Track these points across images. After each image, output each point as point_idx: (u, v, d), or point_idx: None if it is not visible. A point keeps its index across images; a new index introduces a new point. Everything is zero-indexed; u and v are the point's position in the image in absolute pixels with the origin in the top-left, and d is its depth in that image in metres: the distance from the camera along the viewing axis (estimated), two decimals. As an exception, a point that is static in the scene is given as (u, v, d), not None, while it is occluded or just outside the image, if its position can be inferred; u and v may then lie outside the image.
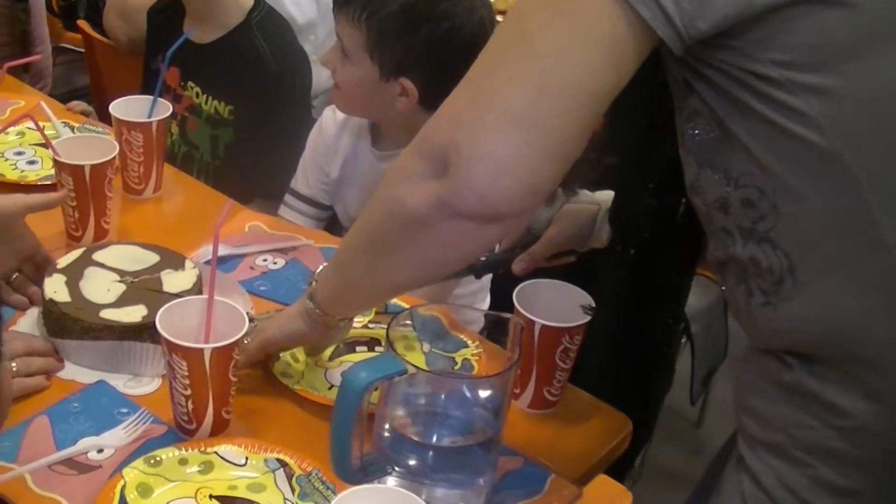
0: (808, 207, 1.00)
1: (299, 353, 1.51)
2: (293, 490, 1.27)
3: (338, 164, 2.08)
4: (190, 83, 2.30)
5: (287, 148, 2.24)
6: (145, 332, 1.43)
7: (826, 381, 1.03)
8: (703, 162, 1.06)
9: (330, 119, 2.11)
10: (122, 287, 1.51)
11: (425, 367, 1.36)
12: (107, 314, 1.45)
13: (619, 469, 2.45)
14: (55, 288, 1.49)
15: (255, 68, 2.25)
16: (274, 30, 2.30)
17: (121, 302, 1.48)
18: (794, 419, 1.06)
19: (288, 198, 2.17)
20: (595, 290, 1.48)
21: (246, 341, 1.38)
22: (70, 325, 1.44)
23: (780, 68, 0.96)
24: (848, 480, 1.04)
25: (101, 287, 1.50)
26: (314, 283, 1.34)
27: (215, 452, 1.30)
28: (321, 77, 2.60)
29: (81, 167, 1.69)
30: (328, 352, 1.53)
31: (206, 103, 2.29)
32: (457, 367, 1.41)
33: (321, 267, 1.34)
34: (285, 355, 1.50)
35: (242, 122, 2.28)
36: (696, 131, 1.06)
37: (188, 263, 1.58)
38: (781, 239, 1.03)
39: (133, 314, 1.45)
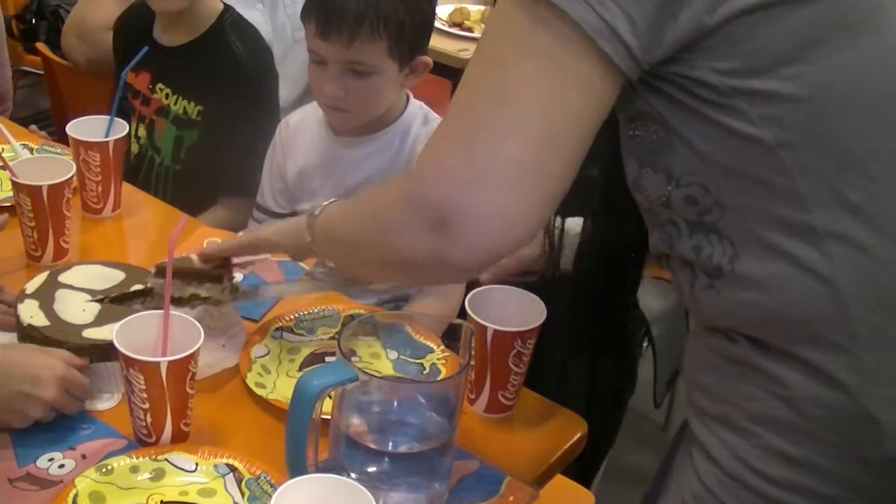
0: (751, 201, 1.04)
1: (271, 364, 1.54)
2: (243, 494, 1.29)
3: (297, 164, 2.12)
4: (160, 85, 2.33)
5: (254, 148, 2.27)
6: None
7: (770, 357, 1.07)
8: (645, 162, 1.09)
9: (283, 128, 2.16)
10: (97, 306, 1.51)
11: (394, 375, 1.38)
12: (90, 334, 1.45)
13: (585, 472, 2.48)
14: (31, 313, 1.48)
15: (230, 68, 2.27)
16: (248, 32, 2.33)
17: (100, 320, 1.48)
18: (742, 391, 1.09)
19: (255, 213, 2.20)
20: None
21: (241, 234, 1.43)
22: (55, 348, 1.43)
23: (721, 76, 1.00)
24: (798, 449, 1.06)
25: (76, 308, 1.50)
26: (317, 214, 1.36)
27: (166, 459, 1.32)
28: (284, 92, 2.63)
29: (39, 187, 1.70)
30: (298, 362, 1.56)
31: (175, 104, 2.31)
32: (425, 372, 1.43)
33: (326, 203, 1.36)
34: (256, 366, 1.53)
35: (211, 122, 2.30)
36: (638, 133, 1.09)
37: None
38: (728, 229, 1.06)
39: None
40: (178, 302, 1.52)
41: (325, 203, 1.36)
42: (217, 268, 1.56)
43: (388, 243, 1.10)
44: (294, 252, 1.49)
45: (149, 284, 1.54)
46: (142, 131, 2.35)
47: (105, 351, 1.43)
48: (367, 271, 1.31)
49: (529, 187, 0.99)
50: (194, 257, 1.56)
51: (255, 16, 2.68)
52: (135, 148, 2.38)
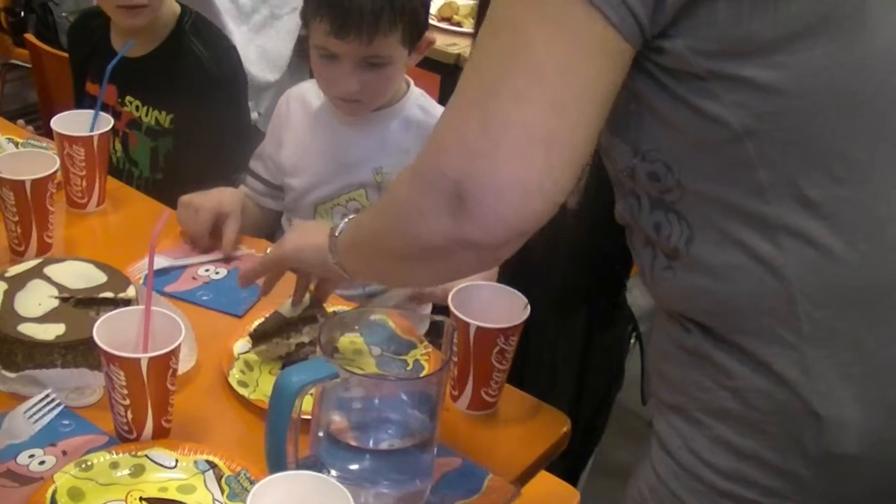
0: (711, 186, 1.05)
1: (253, 361, 1.54)
2: (222, 490, 1.29)
3: (294, 138, 2.08)
4: (128, 98, 2.30)
5: (230, 148, 2.27)
6: (56, 350, 1.44)
7: (719, 348, 1.08)
8: (615, 131, 1.09)
9: (283, 101, 2.13)
10: (55, 303, 1.52)
11: (375, 372, 1.38)
12: (24, 328, 1.46)
13: (572, 468, 2.49)
14: None
15: (195, 73, 2.26)
16: (208, 34, 2.32)
17: (45, 318, 1.48)
18: (695, 381, 1.10)
19: (248, 179, 2.16)
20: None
21: (268, 250, 1.47)
22: None
23: (701, 57, 1.00)
24: (744, 440, 1.07)
25: (34, 300, 1.51)
26: (338, 235, 1.33)
27: (146, 455, 1.32)
28: (265, 73, 2.62)
29: (22, 182, 1.70)
30: (280, 361, 1.56)
31: (146, 115, 2.29)
32: (409, 369, 1.42)
33: (346, 220, 1.34)
34: (239, 363, 1.53)
35: (184, 129, 2.29)
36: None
37: (130, 289, 1.58)
38: (686, 211, 1.07)
39: (49, 332, 1.45)
40: (287, 357, 1.54)
41: (345, 221, 1.34)
42: (307, 309, 1.55)
43: (406, 230, 1.08)
44: (318, 271, 1.47)
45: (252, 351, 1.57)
46: (117, 145, 2.34)
47: (30, 348, 1.44)
48: (388, 274, 1.30)
49: (542, 151, 0.97)
50: (282, 310, 1.55)
51: None
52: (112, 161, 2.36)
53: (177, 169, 2.31)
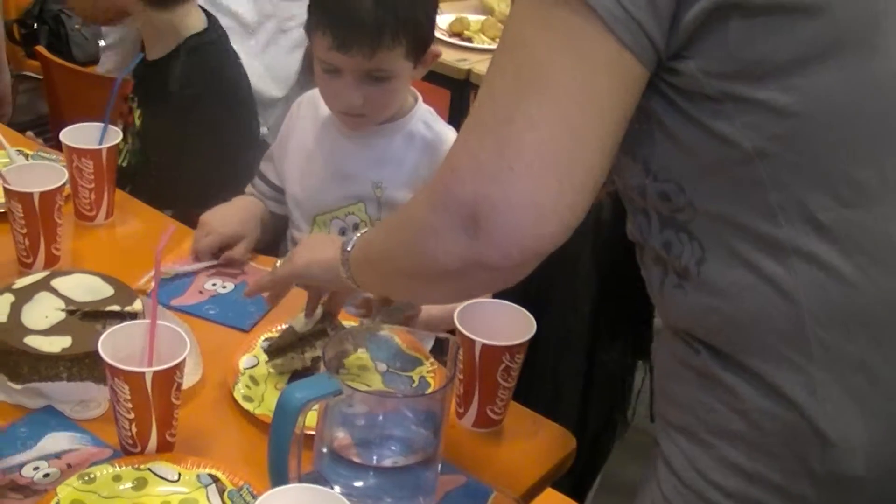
0: (724, 208, 1.04)
1: (259, 375, 1.54)
2: (225, 505, 1.29)
3: (298, 141, 2.07)
4: (133, 95, 2.37)
5: (231, 159, 2.29)
6: (61, 363, 1.44)
7: (727, 369, 1.07)
8: (626, 150, 1.08)
9: (296, 105, 2.12)
10: (62, 316, 1.51)
11: (378, 388, 1.38)
12: (30, 340, 1.45)
13: (579, 486, 2.48)
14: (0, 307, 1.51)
15: (167, 88, 2.29)
16: (201, 55, 2.32)
17: (51, 331, 1.48)
18: (702, 402, 1.10)
19: (255, 180, 2.14)
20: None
21: (277, 263, 1.47)
22: None
23: (713, 79, 1.00)
24: (751, 462, 1.07)
25: (41, 313, 1.51)
26: (350, 249, 1.33)
27: (149, 469, 1.32)
28: (270, 89, 2.63)
29: (30, 194, 1.70)
30: (287, 374, 1.55)
31: (138, 117, 2.34)
32: (414, 385, 1.42)
33: (357, 235, 1.34)
34: (244, 378, 1.53)
35: (147, 137, 2.33)
36: None
37: (137, 303, 1.58)
38: (698, 231, 1.07)
39: (55, 344, 1.45)
40: (303, 371, 1.54)
41: (357, 235, 1.34)
42: (319, 323, 1.55)
43: (422, 250, 1.09)
44: (328, 285, 1.47)
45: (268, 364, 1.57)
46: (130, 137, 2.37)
47: (35, 360, 1.43)
48: (401, 291, 1.33)
49: (556, 175, 0.98)
50: (295, 324, 1.55)
51: (241, 1, 2.69)
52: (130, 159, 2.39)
53: (173, 177, 2.32)
